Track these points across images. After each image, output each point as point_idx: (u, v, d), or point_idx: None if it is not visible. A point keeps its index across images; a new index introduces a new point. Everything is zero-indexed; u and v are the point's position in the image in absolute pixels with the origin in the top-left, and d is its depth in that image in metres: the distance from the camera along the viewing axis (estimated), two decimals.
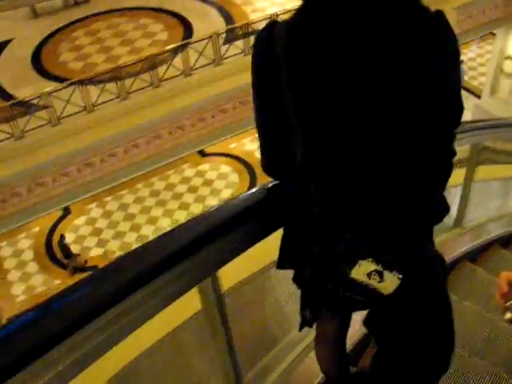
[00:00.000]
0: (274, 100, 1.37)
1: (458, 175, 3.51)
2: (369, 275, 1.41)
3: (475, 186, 3.66)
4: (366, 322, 1.67)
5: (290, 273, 1.63)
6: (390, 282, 1.42)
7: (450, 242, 3.60)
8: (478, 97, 14.67)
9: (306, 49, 1.29)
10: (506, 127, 3.64)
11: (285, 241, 1.59)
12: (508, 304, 1.03)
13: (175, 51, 9.67)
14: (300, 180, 1.44)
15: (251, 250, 1.64)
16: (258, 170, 12.84)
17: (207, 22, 11.19)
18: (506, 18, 12.73)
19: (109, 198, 13.24)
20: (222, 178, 13.62)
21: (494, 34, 14.52)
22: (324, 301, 1.58)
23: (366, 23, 1.26)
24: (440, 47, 1.29)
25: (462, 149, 3.22)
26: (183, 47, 9.61)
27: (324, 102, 1.31)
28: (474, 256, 3.69)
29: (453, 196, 3.62)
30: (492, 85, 14.51)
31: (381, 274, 1.41)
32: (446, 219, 1.55)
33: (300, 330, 1.67)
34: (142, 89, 9.25)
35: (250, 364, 2.37)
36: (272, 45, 1.32)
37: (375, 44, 1.26)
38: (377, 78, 1.27)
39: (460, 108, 1.39)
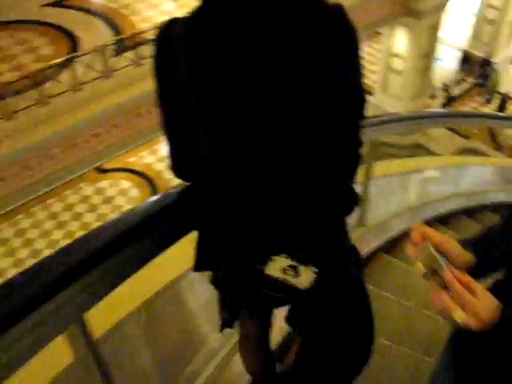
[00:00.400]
0: (177, 100, 1.34)
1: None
2: (284, 271, 1.40)
3: (374, 182, 3.64)
4: (287, 319, 1.66)
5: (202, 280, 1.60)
6: (305, 277, 1.41)
7: (354, 242, 3.54)
8: (372, 94, 15.11)
9: (205, 46, 1.26)
10: (400, 121, 3.64)
11: (199, 243, 1.55)
12: (421, 255, 1.02)
13: (62, 66, 9.22)
14: (209, 179, 1.42)
15: (162, 257, 1.58)
16: (159, 183, 12.58)
17: (94, 34, 10.81)
18: (389, 17, 13.22)
19: (3, 225, 12.47)
20: (123, 193, 13.18)
21: (380, 33, 15.04)
22: (241, 300, 1.58)
23: (265, 18, 1.25)
24: (339, 37, 1.30)
25: None
26: (70, 61, 9.19)
27: (226, 99, 1.28)
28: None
29: None
30: (383, 82, 15.03)
31: (296, 269, 1.40)
32: (348, 219, 1.55)
33: (221, 331, 1.65)
34: (28, 107, 8.70)
35: (172, 375, 2.33)
36: (171, 44, 1.29)
37: (275, 38, 1.25)
38: (278, 71, 1.26)
39: (361, 98, 1.38)
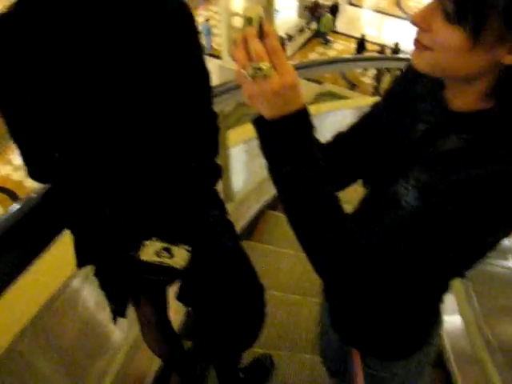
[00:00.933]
0: (16, 106, 1.27)
1: None
2: (158, 254, 1.43)
3: (234, 151, 3.52)
4: (178, 297, 1.70)
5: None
6: (180, 256, 1.46)
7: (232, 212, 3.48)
8: (220, 58, 14.97)
9: (26, 43, 1.17)
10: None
11: (75, 241, 1.54)
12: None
13: None
14: (65, 177, 1.40)
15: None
16: (22, 192, 11.80)
17: None
18: None
19: None
20: None
21: None
22: (124, 288, 1.63)
23: (83, 8, 1.17)
24: (167, 15, 1.24)
25: None
26: None
27: (56, 96, 1.22)
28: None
29: None
30: (228, 43, 14.91)
31: (169, 250, 1.44)
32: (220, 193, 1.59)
33: (114, 321, 1.67)
34: None
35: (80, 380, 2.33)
36: None
37: (97, 28, 1.18)
38: (107, 61, 1.20)
39: (205, 71, 1.37)
